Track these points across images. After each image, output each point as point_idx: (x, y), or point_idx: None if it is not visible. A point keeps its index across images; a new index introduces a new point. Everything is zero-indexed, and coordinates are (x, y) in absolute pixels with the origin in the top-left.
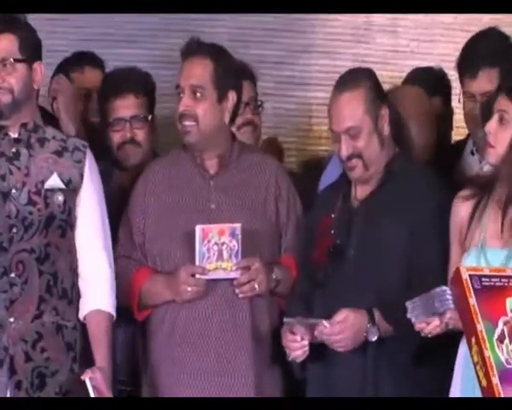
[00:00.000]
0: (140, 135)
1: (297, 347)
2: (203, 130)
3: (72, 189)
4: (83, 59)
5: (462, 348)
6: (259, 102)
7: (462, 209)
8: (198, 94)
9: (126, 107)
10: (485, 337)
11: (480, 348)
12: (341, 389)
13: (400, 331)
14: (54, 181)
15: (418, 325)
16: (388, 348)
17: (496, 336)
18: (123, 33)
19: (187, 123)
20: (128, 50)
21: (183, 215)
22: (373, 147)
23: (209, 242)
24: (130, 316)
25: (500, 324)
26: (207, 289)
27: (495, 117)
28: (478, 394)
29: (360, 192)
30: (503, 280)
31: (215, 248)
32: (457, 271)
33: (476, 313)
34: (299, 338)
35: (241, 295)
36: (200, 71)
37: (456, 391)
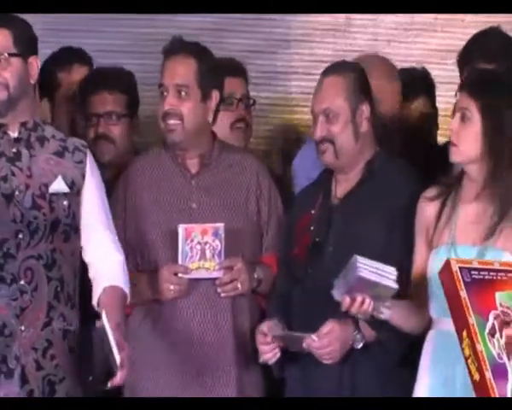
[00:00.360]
0: (114, 131)
1: (267, 350)
2: (188, 129)
3: (75, 191)
4: (71, 56)
5: (429, 344)
6: (252, 101)
7: (427, 209)
8: (183, 93)
9: (100, 103)
10: (477, 331)
11: (472, 341)
12: (319, 388)
13: (382, 334)
14: (58, 185)
15: (343, 302)
16: (366, 349)
17: (487, 330)
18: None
19: (171, 122)
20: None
21: (164, 214)
22: (346, 136)
23: (192, 241)
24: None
25: (491, 318)
26: (189, 289)
27: (457, 115)
28: (448, 389)
29: (340, 190)
30: (491, 274)
31: (198, 247)
32: (448, 263)
33: (468, 307)
34: (269, 339)
35: (223, 295)
36: (184, 70)
37: (421, 387)
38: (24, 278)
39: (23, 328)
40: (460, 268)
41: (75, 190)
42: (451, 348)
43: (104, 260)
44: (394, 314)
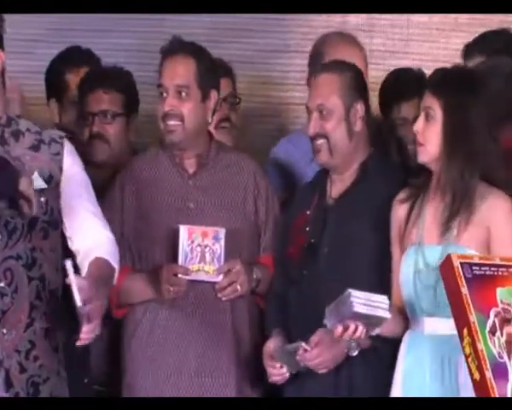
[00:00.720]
0: (109, 130)
1: (276, 373)
2: (188, 129)
3: (52, 185)
4: (79, 58)
5: (403, 344)
6: (237, 99)
7: (399, 210)
8: (183, 94)
9: (95, 101)
10: (478, 329)
11: (472, 339)
12: (315, 391)
13: (378, 341)
14: (35, 182)
15: (336, 331)
16: (362, 354)
17: (488, 328)
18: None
19: (172, 122)
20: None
21: (162, 214)
22: (340, 134)
23: (192, 242)
24: (108, 316)
25: (491, 315)
26: (188, 289)
27: (421, 115)
28: (418, 390)
29: (335, 190)
30: (492, 269)
31: (198, 249)
32: (448, 258)
33: (469, 304)
34: (278, 366)
35: (224, 299)
36: (184, 70)
37: (396, 387)
38: (4, 279)
39: (5, 331)
40: (461, 263)
41: (53, 184)
42: (421, 349)
43: (91, 242)
44: (383, 328)
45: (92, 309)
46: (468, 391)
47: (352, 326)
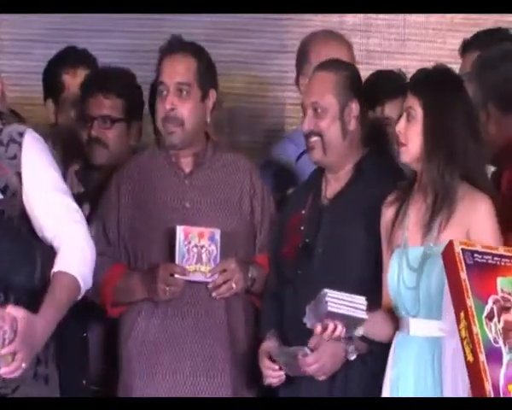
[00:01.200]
0: (108, 135)
1: (274, 375)
2: (188, 130)
3: (9, 195)
4: (76, 58)
5: (392, 345)
6: None
7: (387, 213)
8: (184, 92)
9: (95, 106)
10: (475, 314)
11: (468, 323)
12: (310, 392)
13: (374, 344)
14: None
15: (315, 330)
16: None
17: (485, 313)
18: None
19: (172, 124)
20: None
21: (158, 213)
22: (334, 132)
23: (189, 243)
24: (104, 315)
25: (490, 302)
26: (184, 289)
27: (403, 116)
28: (402, 390)
29: (330, 190)
30: (495, 258)
31: (195, 250)
32: (450, 244)
33: (467, 289)
34: (277, 367)
35: (218, 298)
36: (185, 68)
37: (385, 388)
38: None
39: None
40: (462, 250)
41: (9, 193)
42: (407, 350)
43: (60, 251)
44: (369, 328)
45: (16, 350)
46: (452, 393)
47: (331, 326)
